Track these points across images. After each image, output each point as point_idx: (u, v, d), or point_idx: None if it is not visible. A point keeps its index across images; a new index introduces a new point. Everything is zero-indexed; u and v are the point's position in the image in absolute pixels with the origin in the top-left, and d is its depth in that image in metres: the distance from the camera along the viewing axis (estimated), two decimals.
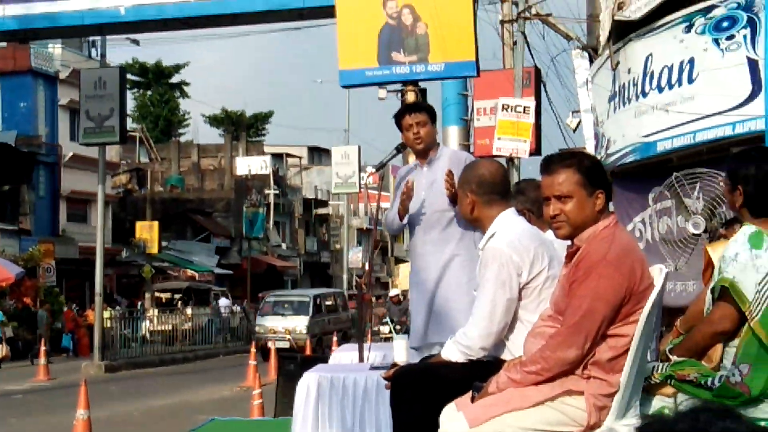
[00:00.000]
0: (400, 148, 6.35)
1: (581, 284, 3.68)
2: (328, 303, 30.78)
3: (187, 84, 69.03)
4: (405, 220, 6.10)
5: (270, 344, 24.94)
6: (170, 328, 30.39)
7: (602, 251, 3.69)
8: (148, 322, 30.19)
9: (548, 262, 4.23)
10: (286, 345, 26.32)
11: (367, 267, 30.18)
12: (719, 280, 3.87)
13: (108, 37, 25.43)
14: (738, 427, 1.04)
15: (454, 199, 5.65)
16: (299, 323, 27.71)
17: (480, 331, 4.22)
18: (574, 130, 19.85)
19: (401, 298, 24.04)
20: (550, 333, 3.78)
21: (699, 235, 10.44)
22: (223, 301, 38.36)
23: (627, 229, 12.30)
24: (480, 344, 4.23)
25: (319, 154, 67.59)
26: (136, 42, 30.99)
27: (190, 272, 44.66)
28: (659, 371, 4.05)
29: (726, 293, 3.84)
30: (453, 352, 4.29)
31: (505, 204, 4.49)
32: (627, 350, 3.66)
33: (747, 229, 3.89)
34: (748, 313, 3.72)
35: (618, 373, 3.67)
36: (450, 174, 5.67)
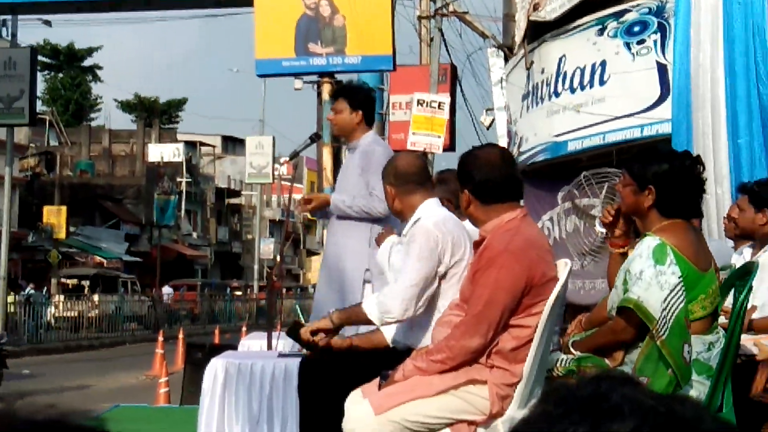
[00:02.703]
0: (314, 138, 6.40)
1: (483, 274, 3.75)
2: None
3: (99, 68, 67.95)
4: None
5: None
6: (76, 314, 29.90)
7: (504, 242, 3.77)
8: (53, 307, 29.67)
9: (469, 251, 4.28)
10: None
11: (280, 256, 28.83)
12: (624, 300, 3.79)
13: (19, 16, 24.91)
14: (638, 394, 1.08)
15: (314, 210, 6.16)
16: None
17: (402, 301, 4.23)
18: (488, 128, 20.09)
19: None
20: (456, 322, 3.85)
21: (606, 233, 10.64)
22: (167, 289, 39.06)
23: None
24: (399, 314, 4.24)
25: (233, 144, 67.14)
26: (48, 23, 30.34)
27: (98, 259, 44.02)
28: (563, 365, 4.12)
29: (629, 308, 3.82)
30: (374, 314, 4.30)
31: (427, 193, 4.53)
32: (530, 341, 3.73)
33: (650, 242, 3.80)
34: (655, 331, 3.70)
35: (521, 364, 3.73)
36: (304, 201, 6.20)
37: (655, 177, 3.92)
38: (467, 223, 4.40)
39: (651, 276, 3.73)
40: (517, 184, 3.99)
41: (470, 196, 3.90)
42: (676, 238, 3.85)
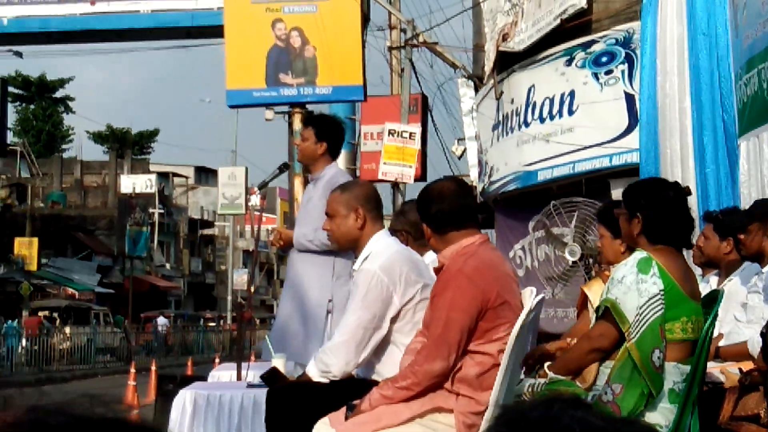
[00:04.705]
0: (283, 168, 6.39)
1: (440, 297, 3.84)
2: None
3: (71, 99, 67.65)
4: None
5: None
6: (48, 347, 29.60)
7: (459, 265, 3.87)
8: (25, 340, 29.34)
9: (421, 284, 4.25)
10: None
11: (249, 285, 28.49)
12: (603, 301, 3.96)
13: None
14: (589, 417, 1.10)
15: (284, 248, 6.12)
16: None
17: (341, 355, 4.23)
18: (459, 158, 20.17)
19: None
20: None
21: (576, 262, 10.69)
22: (161, 320, 39.30)
23: (508, 256, 12.54)
24: (339, 369, 4.25)
25: (205, 174, 66.93)
26: (19, 54, 30.22)
27: (70, 290, 43.64)
28: (535, 389, 4.14)
29: (607, 313, 3.93)
30: (314, 372, 4.32)
31: (378, 225, 4.48)
32: (494, 367, 3.75)
33: (638, 254, 3.97)
34: (627, 335, 3.81)
35: (487, 391, 3.74)
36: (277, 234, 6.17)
37: (643, 205, 4.09)
38: (428, 256, 4.43)
39: (632, 282, 3.87)
40: (472, 211, 4.12)
41: (428, 228, 4.06)
42: (665, 259, 3.97)
